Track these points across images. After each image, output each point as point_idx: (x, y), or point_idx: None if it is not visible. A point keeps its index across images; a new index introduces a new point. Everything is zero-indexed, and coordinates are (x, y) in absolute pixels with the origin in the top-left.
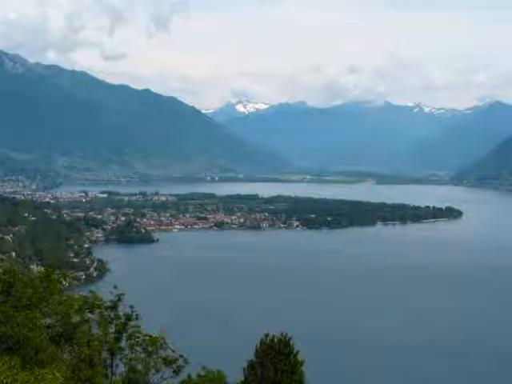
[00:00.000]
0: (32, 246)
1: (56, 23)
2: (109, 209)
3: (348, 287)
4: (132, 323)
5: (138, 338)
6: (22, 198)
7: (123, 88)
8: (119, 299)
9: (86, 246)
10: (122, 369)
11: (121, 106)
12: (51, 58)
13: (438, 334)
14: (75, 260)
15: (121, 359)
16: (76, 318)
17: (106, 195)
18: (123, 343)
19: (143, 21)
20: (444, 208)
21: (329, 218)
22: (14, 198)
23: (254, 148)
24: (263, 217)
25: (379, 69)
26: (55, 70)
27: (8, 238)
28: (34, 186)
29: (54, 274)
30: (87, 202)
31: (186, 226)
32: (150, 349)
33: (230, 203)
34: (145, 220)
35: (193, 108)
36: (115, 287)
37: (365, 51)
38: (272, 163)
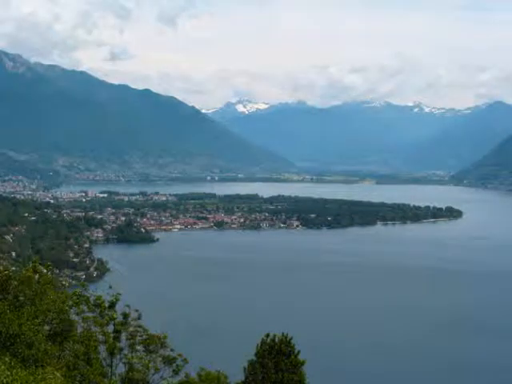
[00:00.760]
0: (32, 246)
1: (56, 23)
2: (109, 208)
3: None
4: (133, 322)
5: (141, 336)
6: (22, 197)
7: (123, 88)
8: (117, 298)
9: (85, 245)
10: (121, 369)
11: (121, 106)
12: (51, 58)
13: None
14: (75, 260)
15: (120, 359)
16: (72, 316)
17: (106, 195)
18: (123, 343)
19: (143, 21)
20: (444, 208)
21: (329, 218)
22: (14, 197)
23: (254, 148)
24: (263, 217)
25: (379, 69)
26: (55, 70)
27: (8, 237)
28: (33, 186)
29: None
30: (87, 202)
31: (186, 226)
32: (150, 348)
33: (230, 203)
34: (145, 220)
35: (193, 108)
36: (110, 287)
37: (365, 51)
38: (272, 163)
